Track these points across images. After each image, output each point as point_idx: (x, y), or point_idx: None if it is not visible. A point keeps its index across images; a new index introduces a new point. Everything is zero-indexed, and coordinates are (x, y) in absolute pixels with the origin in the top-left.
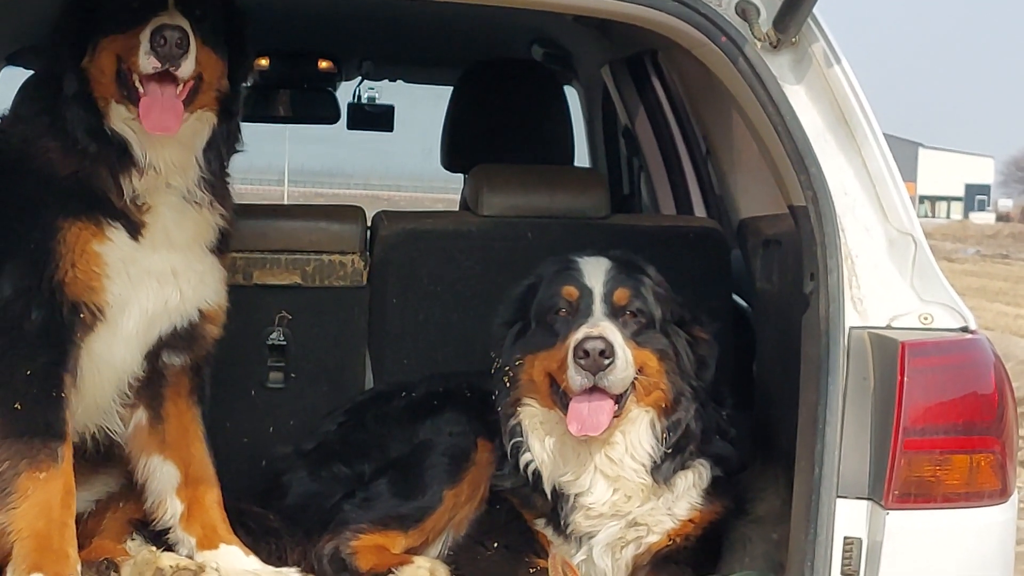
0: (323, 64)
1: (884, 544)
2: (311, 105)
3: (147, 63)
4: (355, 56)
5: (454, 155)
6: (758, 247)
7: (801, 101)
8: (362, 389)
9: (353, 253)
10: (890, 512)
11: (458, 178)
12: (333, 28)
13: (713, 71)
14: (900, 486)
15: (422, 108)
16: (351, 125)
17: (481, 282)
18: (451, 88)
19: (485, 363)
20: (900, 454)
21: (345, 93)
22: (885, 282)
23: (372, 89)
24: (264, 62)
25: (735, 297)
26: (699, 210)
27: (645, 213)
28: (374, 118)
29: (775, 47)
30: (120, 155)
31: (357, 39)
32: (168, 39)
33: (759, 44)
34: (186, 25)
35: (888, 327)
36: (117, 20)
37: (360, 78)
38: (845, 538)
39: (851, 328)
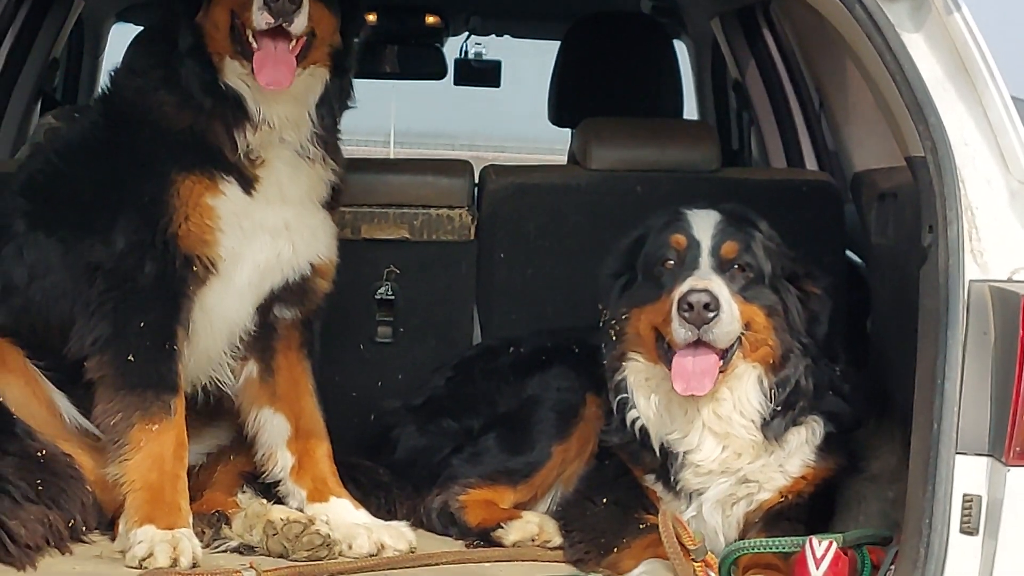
0: (430, 19)
1: (1004, 501)
2: (418, 61)
3: (260, 19)
4: (462, 11)
5: (562, 110)
6: (873, 200)
7: (919, 50)
8: (470, 344)
9: (461, 207)
10: (1011, 469)
11: (564, 138)
12: None
13: (829, 20)
14: (1021, 442)
15: (529, 64)
16: (458, 81)
17: (589, 237)
18: (558, 43)
19: (592, 318)
20: (1022, 409)
21: (452, 49)
22: (1006, 234)
23: (479, 44)
24: (372, 17)
25: (848, 252)
26: (811, 164)
27: (756, 166)
28: (481, 74)
29: None
30: (234, 110)
31: None
32: None
33: None
34: None
35: (1009, 280)
36: None
37: (467, 33)
38: (964, 495)
39: (971, 281)
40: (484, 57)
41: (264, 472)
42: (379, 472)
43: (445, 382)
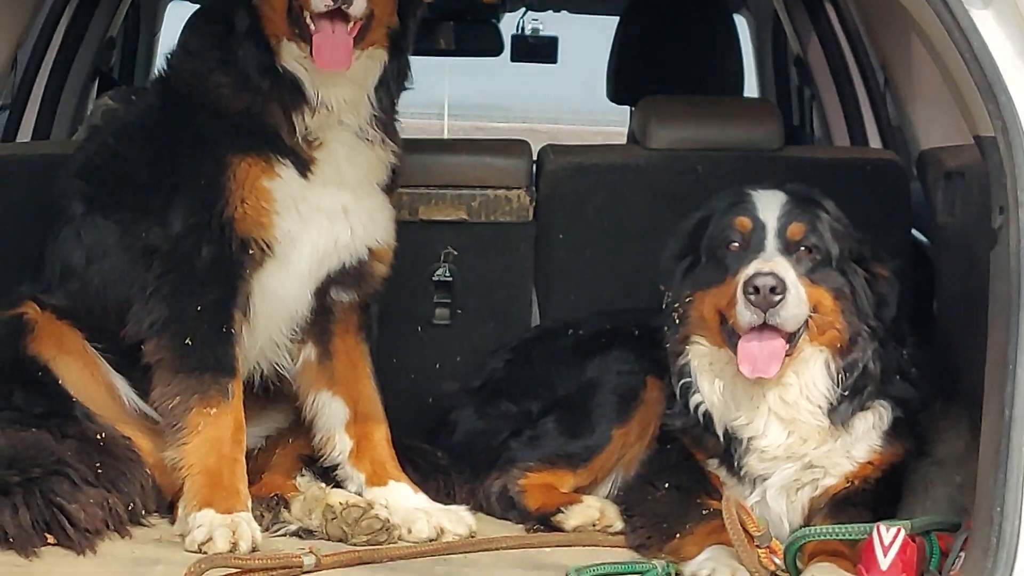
0: None
1: None
2: (475, 37)
3: (319, 0)
4: None
5: (621, 87)
6: (939, 179)
7: (989, 26)
8: (528, 326)
9: (519, 188)
10: None
11: (621, 111)
12: None
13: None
14: None
15: (584, 39)
16: (515, 57)
17: (649, 217)
18: (615, 19)
19: (653, 300)
20: None
21: (508, 25)
22: None
23: (535, 20)
24: None
25: (913, 232)
26: (874, 142)
27: (818, 144)
28: (538, 50)
29: None
30: (292, 93)
31: None
32: None
33: None
34: None
35: None
36: None
37: (524, 9)
38: None
39: None
40: (541, 33)
41: (323, 456)
42: (438, 455)
43: (504, 364)
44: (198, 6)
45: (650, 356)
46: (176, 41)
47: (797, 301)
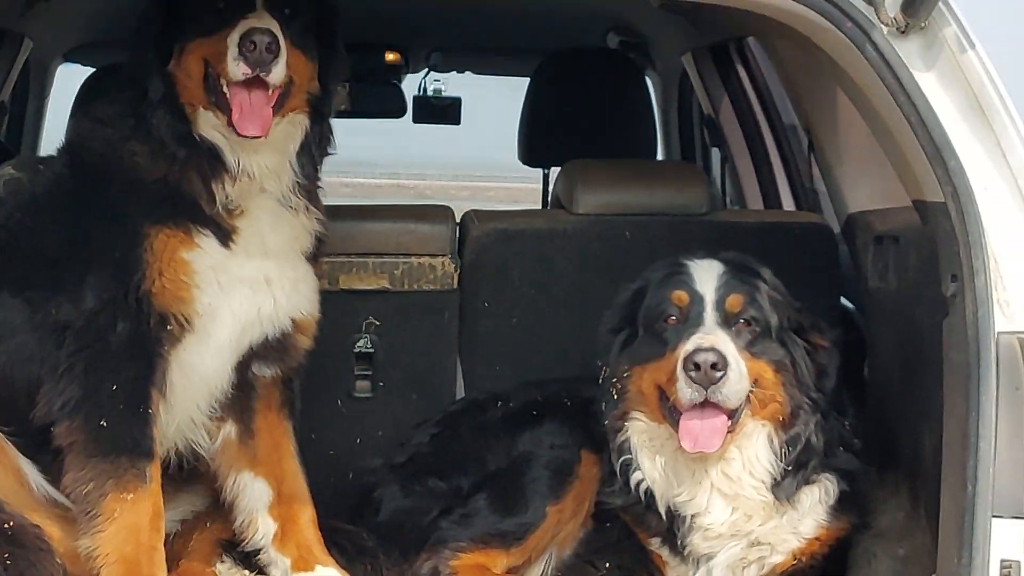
0: (390, 56)
1: None
2: (377, 98)
3: (236, 69)
4: (423, 47)
5: (533, 149)
6: (868, 243)
7: (933, 89)
8: (453, 398)
9: (443, 255)
10: None
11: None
12: (401, 18)
13: (834, 59)
14: None
15: (486, 99)
16: (417, 118)
17: (577, 284)
18: (519, 79)
19: (583, 369)
20: None
21: (410, 85)
22: None
23: (438, 81)
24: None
25: None
26: (787, 204)
27: (731, 207)
28: (441, 111)
29: (903, 32)
30: (211, 161)
31: (426, 29)
32: (258, 44)
33: (886, 29)
34: (276, 28)
35: None
36: (203, 22)
37: (426, 70)
38: (1002, 561)
39: (999, 333)
40: (444, 93)
41: (244, 540)
42: (363, 536)
43: (430, 439)
44: (93, 70)
45: (583, 428)
46: (75, 106)
47: (738, 376)
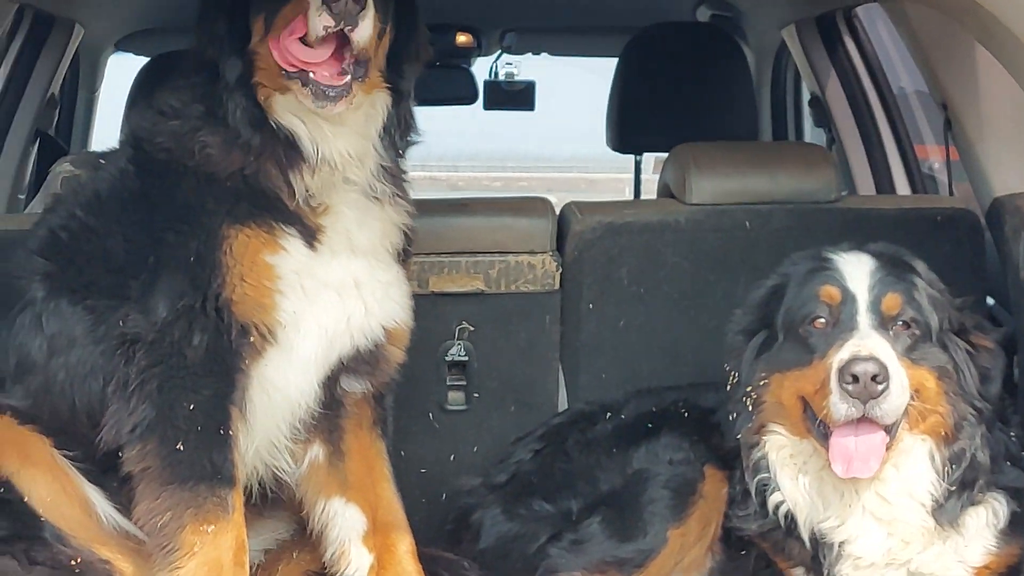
0: (461, 38)
1: None
2: (447, 85)
3: (318, 23)
4: (497, 27)
5: (625, 134)
6: (1020, 229)
7: None
8: (555, 409)
9: (543, 253)
10: None
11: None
12: None
13: (1000, 20)
14: None
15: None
16: (488, 105)
17: (691, 281)
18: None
19: (699, 375)
20: None
21: (480, 70)
22: None
23: (510, 65)
24: None
25: None
26: (902, 187)
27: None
28: (514, 96)
29: None
30: (288, 150)
31: (501, 8)
32: None
33: None
34: None
35: None
36: None
37: (498, 52)
38: None
39: None
40: (516, 78)
41: (336, 572)
42: (465, 566)
43: (532, 455)
44: (145, 60)
45: (705, 442)
46: (133, 97)
47: (900, 389)
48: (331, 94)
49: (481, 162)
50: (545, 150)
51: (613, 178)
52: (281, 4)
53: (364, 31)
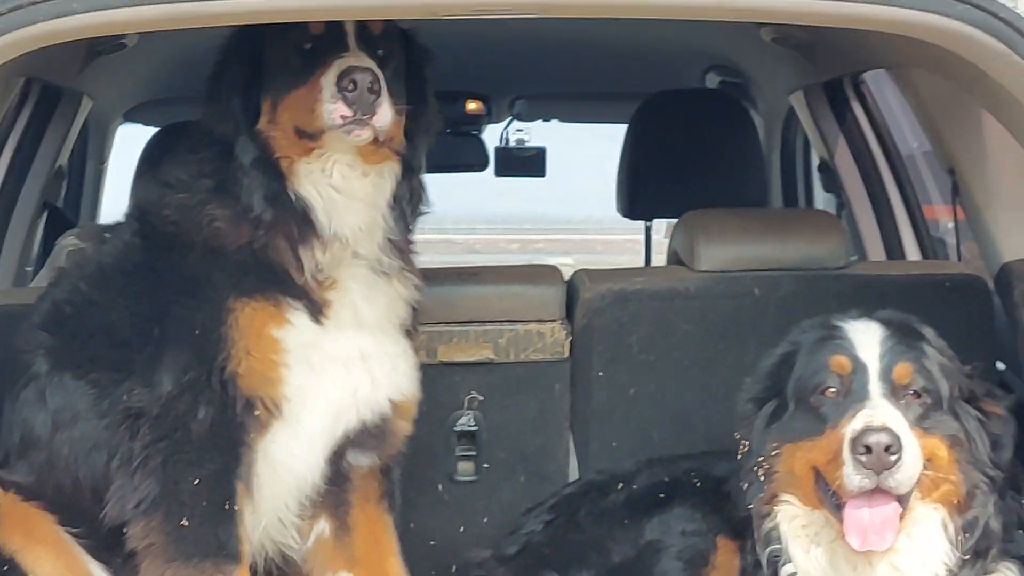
0: (471, 105)
1: None
2: (457, 151)
3: (333, 113)
4: (507, 95)
5: (635, 200)
6: None
7: None
8: (567, 480)
9: (552, 321)
10: None
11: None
12: (484, 64)
13: (1007, 88)
14: None
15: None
16: (500, 171)
17: (701, 348)
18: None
19: (710, 444)
20: None
21: (491, 136)
22: None
23: (520, 131)
24: None
25: None
26: (912, 252)
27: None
28: (524, 162)
29: None
30: (301, 223)
31: (511, 76)
32: (359, 83)
33: None
34: (375, 67)
35: None
36: (291, 70)
37: (509, 119)
38: None
39: None
40: (527, 144)
41: None
42: None
43: (543, 526)
44: (154, 130)
45: (718, 512)
46: (141, 169)
47: (913, 459)
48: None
49: (498, 224)
50: (561, 212)
51: (629, 239)
52: (288, 88)
53: (384, 117)
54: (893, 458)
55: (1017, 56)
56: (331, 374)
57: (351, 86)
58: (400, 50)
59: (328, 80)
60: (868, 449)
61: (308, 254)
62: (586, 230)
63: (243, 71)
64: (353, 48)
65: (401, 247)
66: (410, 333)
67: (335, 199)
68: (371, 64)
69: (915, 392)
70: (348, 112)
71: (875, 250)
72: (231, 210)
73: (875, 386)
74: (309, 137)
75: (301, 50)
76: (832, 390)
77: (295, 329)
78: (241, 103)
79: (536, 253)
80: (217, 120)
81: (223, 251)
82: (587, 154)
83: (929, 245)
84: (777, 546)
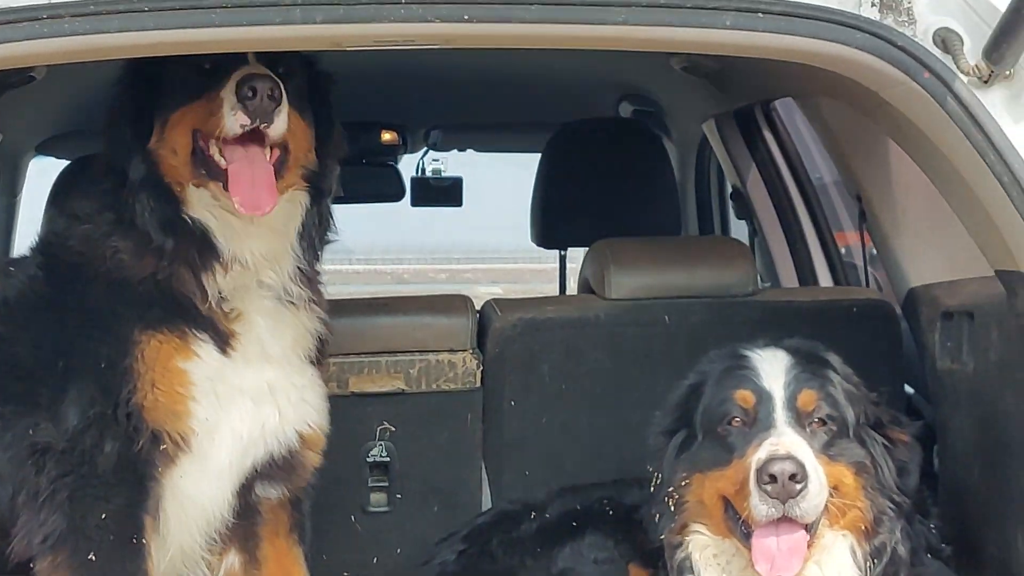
0: (386, 136)
1: None
2: (373, 182)
3: (234, 122)
4: (422, 125)
5: (549, 229)
6: (935, 320)
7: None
8: (479, 509)
9: (463, 350)
10: None
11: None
12: (398, 95)
13: (907, 116)
14: None
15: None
16: (415, 202)
17: (612, 377)
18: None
19: (622, 472)
20: None
21: (407, 166)
22: None
23: (436, 161)
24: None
25: None
26: (824, 278)
27: (762, 286)
28: (441, 192)
29: (986, 82)
30: (202, 249)
31: (425, 106)
32: (259, 90)
33: (967, 79)
34: (274, 76)
35: None
36: (188, 88)
37: (425, 149)
38: None
39: None
40: (443, 174)
41: None
42: None
43: (456, 556)
44: (68, 162)
45: (630, 540)
46: (49, 202)
47: (819, 487)
48: (253, 212)
49: (427, 255)
50: (490, 241)
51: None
52: (179, 105)
53: (280, 126)
54: (798, 487)
55: (915, 84)
56: (238, 406)
57: (251, 93)
58: (301, 71)
59: (229, 89)
60: (773, 478)
61: (210, 279)
62: (515, 259)
63: (137, 95)
64: (253, 62)
65: (309, 276)
66: (318, 363)
67: (231, 222)
68: (270, 73)
69: (820, 419)
70: (247, 120)
71: (788, 276)
72: (134, 241)
73: (780, 415)
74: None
75: (201, 69)
76: (738, 420)
77: (201, 361)
78: (133, 126)
79: (465, 283)
80: (114, 147)
81: (128, 282)
82: (510, 183)
83: (841, 271)
84: (690, 575)
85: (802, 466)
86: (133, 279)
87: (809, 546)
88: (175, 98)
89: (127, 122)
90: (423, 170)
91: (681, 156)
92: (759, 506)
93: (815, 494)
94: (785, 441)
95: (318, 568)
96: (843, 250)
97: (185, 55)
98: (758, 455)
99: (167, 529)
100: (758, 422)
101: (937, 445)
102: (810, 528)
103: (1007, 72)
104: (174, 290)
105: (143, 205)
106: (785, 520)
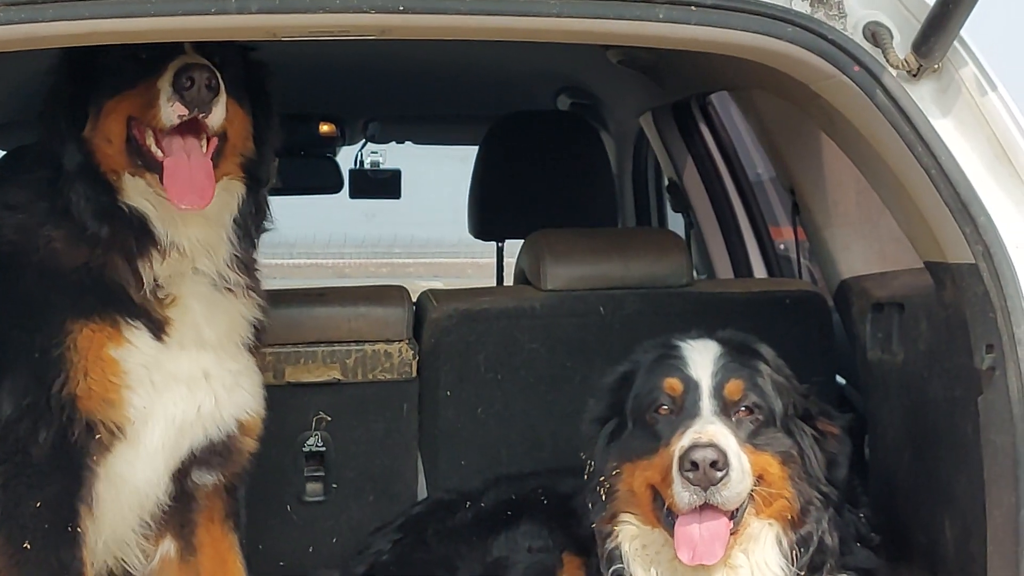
0: (324, 127)
1: None
2: (311, 174)
3: (171, 112)
4: (360, 117)
5: (485, 222)
6: (866, 311)
7: (952, 138)
8: (415, 499)
9: (399, 341)
10: None
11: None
12: (335, 87)
13: (837, 109)
14: None
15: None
16: (353, 194)
17: (548, 367)
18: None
19: (558, 461)
20: None
21: (346, 158)
22: None
23: (375, 153)
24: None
25: None
26: (759, 270)
27: (698, 278)
28: (380, 184)
29: (915, 75)
30: (138, 236)
31: (363, 98)
32: (196, 80)
33: (896, 72)
34: (212, 66)
35: None
36: (124, 76)
37: (364, 141)
38: None
39: None
40: (382, 166)
41: None
42: None
43: (391, 545)
44: (1, 153)
45: (564, 528)
46: None
47: (741, 475)
48: (187, 207)
49: (367, 248)
50: (431, 235)
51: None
52: (114, 93)
53: (218, 116)
54: (719, 474)
55: (846, 77)
56: (173, 394)
57: (188, 83)
58: (238, 60)
59: (166, 79)
60: (695, 465)
61: (146, 266)
62: (456, 253)
63: (72, 84)
64: (190, 51)
65: (246, 263)
66: (255, 351)
67: (169, 209)
68: (208, 63)
69: (747, 408)
70: (184, 111)
71: (723, 268)
72: (67, 230)
73: (707, 403)
74: (139, 154)
75: (136, 59)
76: (666, 408)
77: (135, 349)
78: (68, 115)
79: (406, 277)
80: (49, 136)
81: (61, 272)
82: (449, 176)
83: (775, 263)
84: (620, 566)
85: (724, 454)
86: (66, 268)
87: (734, 535)
88: (110, 87)
89: (62, 111)
90: (362, 162)
91: (618, 149)
92: (681, 493)
93: (737, 482)
94: (709, 429)
95: (254, 557)
96: (781, 246)
97: (119, 45)
98: (681, 443)
99: (102, 514)
100: (684, 410)
101: (868, 435)
102: (734, 516)
103: (935, 66)
104: (107, 278)
105: (78, 194)
106: (708, 508)
